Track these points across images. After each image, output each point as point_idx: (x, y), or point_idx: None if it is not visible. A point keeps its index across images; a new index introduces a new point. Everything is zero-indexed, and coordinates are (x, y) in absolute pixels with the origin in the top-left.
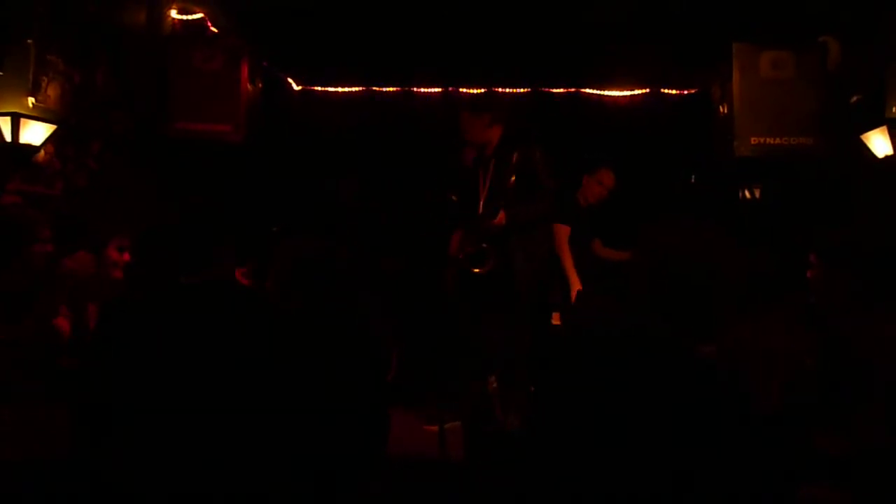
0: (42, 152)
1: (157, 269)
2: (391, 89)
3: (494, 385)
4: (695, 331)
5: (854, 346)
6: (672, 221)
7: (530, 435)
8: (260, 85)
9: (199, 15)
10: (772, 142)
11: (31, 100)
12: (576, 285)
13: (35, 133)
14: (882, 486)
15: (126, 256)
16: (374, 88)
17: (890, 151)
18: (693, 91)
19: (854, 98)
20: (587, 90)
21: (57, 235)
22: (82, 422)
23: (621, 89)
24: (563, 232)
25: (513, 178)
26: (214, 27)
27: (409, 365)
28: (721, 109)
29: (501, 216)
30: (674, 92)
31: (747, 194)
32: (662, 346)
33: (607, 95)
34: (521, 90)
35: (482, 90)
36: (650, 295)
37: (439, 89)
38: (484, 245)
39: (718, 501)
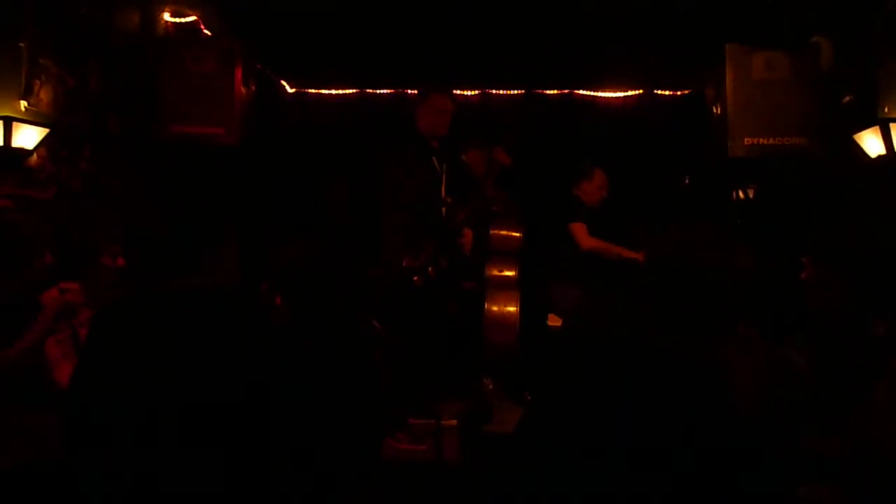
0: (35, 156)
1: (147, 272)
2: (385, 91)
3: (490, 386)
4: (697, 334)
5: (847, 347)
6: (685, 225)
7: (523, 438)
8: (253, 87)
9: (193, 17)
10: (765, 142)
11: (23, 103)
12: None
13: (28, 137)
14: (876, 488)
15: (120, 261)
16: (368, 90)
17: (883, 151)
18: (686, 92)
19: (847, 98)
20: (581, 91)
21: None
22: (73, 427)
23: (615, 90)
24: (582, 229)
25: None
26: (208, 30)
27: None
28: (714, 110)
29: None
30: (667, 93)
31: (741, 195)
32: (659, 352)
33: (601, 97)
34: (515, 92)
35: (477, 92)
36: (656, 297)
37: None
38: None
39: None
